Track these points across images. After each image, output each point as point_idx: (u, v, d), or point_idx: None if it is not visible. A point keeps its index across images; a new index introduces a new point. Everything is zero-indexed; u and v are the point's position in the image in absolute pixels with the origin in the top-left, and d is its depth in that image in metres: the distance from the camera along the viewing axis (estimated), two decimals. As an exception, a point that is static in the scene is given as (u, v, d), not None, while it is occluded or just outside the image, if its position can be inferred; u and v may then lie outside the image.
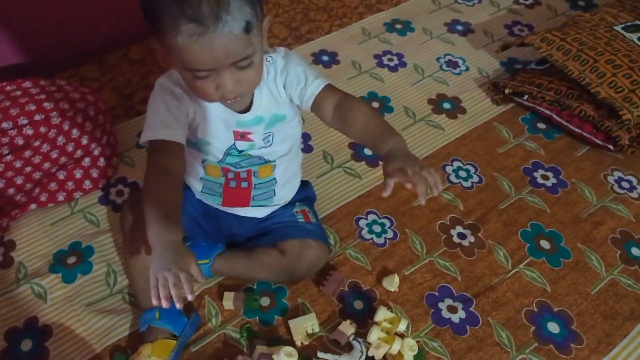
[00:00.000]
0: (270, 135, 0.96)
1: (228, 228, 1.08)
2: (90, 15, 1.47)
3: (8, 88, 1.21)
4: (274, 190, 1.04)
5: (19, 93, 1.19)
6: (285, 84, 0.94)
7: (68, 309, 1.04)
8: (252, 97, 0.92)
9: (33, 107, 1.17)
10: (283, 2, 1.73)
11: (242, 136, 0.95)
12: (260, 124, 0.94)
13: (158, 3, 0.74)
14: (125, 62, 1.52)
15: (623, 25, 1.37)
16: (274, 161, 1.00)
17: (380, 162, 1.28)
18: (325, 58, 1.56)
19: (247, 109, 0.92)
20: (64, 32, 1.46)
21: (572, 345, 0.99)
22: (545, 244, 1.13)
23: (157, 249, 0.80)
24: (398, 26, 1.67)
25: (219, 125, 0.93)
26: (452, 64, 1.55)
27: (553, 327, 1.01)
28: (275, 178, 1.02)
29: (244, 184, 1.02)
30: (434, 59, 1.56)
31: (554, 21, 1.68)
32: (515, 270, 1.09)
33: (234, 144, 0.95)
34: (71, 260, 1.11)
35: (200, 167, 1.00)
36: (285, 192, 1.07)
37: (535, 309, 1.04)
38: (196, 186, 1.05)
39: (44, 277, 1.08)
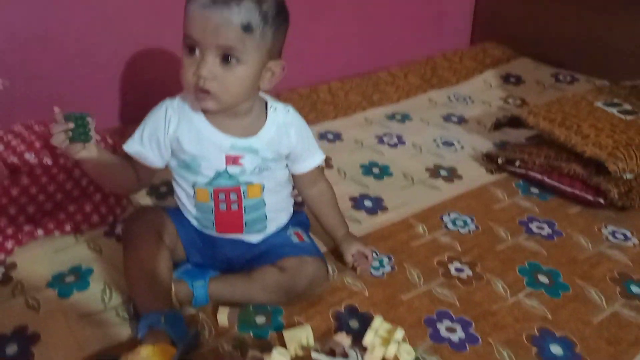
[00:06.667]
0: (261, 168, 1.03)
1: (224, 253, 1.09)
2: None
3: (36, 127, 1.31)
4: (265, 214, 1.07)
5: (45, 129, 1.29)
6: (298, 139, 1.05)
7: (60, 319, 1.02)
8: (260, 131, 1.01)
9: (56, 142, 1.26)
10: (294, 97, 1.90)
11: (234, 161, 1.00)
12: (255, 153, 1.01)
13: None
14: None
15: (603, 102, 1.49)
16: (263, 182, 1.05)
17: (379, 211, 1.34)
18: (330, 136, 1.68)
19: (246, 136, 1.00)
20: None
21: (577, 365, 0.95)
22: (543, 279, 1.13)
23: None
24: (397, 117, 1.81)
25: (211, 149, 0.99)
26: (448, 144, 1.65)
27: (556, 350, 0.98)
28: (264, 200, 1.06)
29: (234, 207, 1.04)
30: (431, 139, 1.68)
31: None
32: (514, 299, 1.08)
33: (226, 168, 1.01)
34: (69, 279, 1.11)
35: (192, 194, 1.05)
36: (276, 217, 1.10)
37: (537, 333, 1.01)
38: (191, 218, 1.09)
39: (40, 291, 1.08)
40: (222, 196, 1.03)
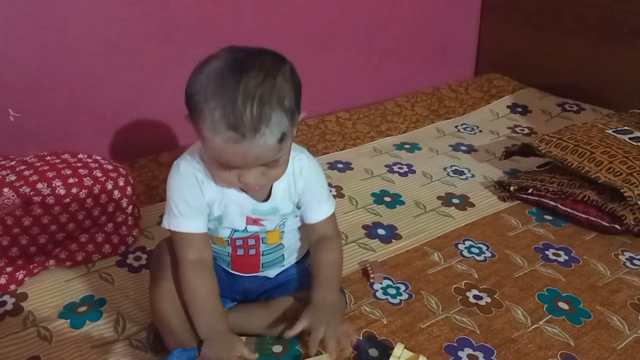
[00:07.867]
0: (282, 223, 1.00)
1: (241, 284, 1.08)
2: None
3: (48, 157, 1.31)
4: (283, 255, 1.05)
5: (57, 161, 1.29)
6: (305, 188, 0.97)
7: (72, 349, 1.00)
8: (271, 188, 0.95)
9: (69, 172, 1.25)
10: (302, 127, 1.90)
11: (255, 222, 0.98)
12: (276, 214, 0.98)
13: (201, 101, 0.78)
14: (154, 164, 1.64)
15: (614, 129, 1.50)
16: (282, 229, 1.01)
17: (393, 240, 1.33)
18: (340, 166, 1.68)
19: (265, 199, 0.96)
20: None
21: (604, 394, 0.93)
22: (563, 306, 1.11)
23: (206, 339, 0.91)
24: (407, 146, 1.82)
25: (234, 209, 0.96)
26: (459, 172, 1.65)
27: (582, 378, 0.96)
28: (283, 244, 1.03)
29: (252, 251, 1.02)
30: (441, 168, 1.67)
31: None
32: (535, 326, 1.06)
33: (245, 227, 0.98)
34: (82, 309, 1.09)
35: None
36: (293, 255, 1.08)
37: (561, 360, 0.99)
38: None
39: (52, 322, 1.06)
40: (239, 242, 1.00)
